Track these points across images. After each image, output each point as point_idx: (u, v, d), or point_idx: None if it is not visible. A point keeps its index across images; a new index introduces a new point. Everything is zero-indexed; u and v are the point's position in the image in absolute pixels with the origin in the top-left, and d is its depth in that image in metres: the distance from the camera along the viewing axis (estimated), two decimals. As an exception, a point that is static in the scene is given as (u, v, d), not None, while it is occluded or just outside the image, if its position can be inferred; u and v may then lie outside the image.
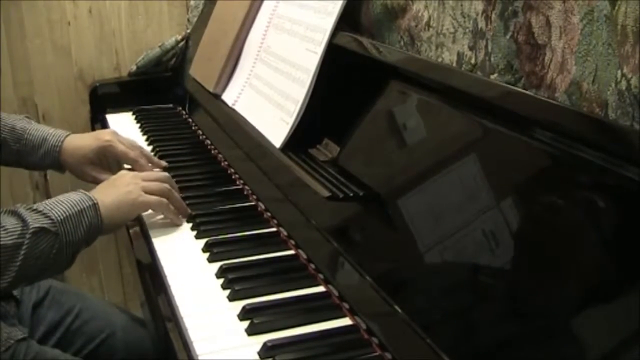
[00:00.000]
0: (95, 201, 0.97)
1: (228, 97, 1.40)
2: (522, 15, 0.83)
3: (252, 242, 1.01)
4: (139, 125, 1.64)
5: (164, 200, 1.06)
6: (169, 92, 1.80)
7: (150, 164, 1.24)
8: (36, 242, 0.89)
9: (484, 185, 0.73)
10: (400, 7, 1.11)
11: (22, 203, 0.95)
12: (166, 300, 0.89)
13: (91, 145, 1.22)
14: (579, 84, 0.75)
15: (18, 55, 1.86)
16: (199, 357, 0.76)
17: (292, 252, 0.98)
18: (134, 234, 1.08)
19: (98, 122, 1.76)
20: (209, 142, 1.46)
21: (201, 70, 1.57)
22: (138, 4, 1.93)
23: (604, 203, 0.61)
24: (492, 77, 0.90)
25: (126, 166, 1.23)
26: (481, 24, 0.91)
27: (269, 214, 1.09)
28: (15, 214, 0.90)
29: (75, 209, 0.94)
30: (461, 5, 0.95)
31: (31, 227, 0.89)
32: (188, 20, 1.97)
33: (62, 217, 0.92)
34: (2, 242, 0.86)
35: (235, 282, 0.89)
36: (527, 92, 0.79)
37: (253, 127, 1.24)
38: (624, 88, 0.69)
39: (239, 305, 0.84)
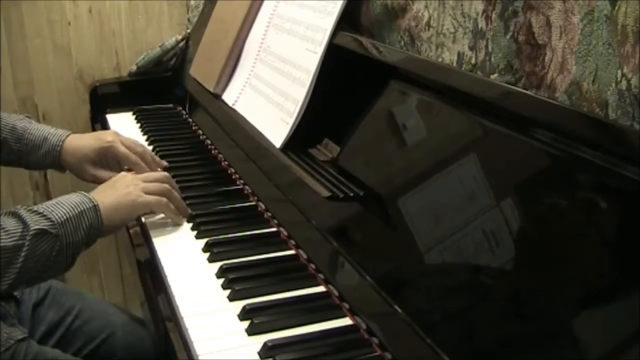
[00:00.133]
0: (95, 203, 0.97)
1: (228, 97, 1.40)
2: (522, 15, 0.83)
3: (252, 242, 1.01)
4: (139, 125, 1.64)
5: (164, 200, 1.05)
6: (169, 92, 1.80)
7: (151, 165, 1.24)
8: (36, 244, 0.89)
9: (484, 186, 0.73)
10: (400, 7, 1.11)
11: (22, 203, 0.95)
12: (166, 300, 0.89)
13: (93, 145, 1.22)
14: (579, 84, 0.75)
15: (18, 55, 1.86)
16: (199, 357, 0.76)
17: (292, 252, 0.98)
18: (134, 234, 1.08)
19: (98, 122, 1.76)
20: (209, 142, 1.46)
21: (201, 70, 1.57)
22: (138, 4, 1.93)
23: (604, 203, 0.61)
24: (492, 77, 0.90)
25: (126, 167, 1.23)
26: (481, 24, 0.91)
27: (269, 214, 1.09)
28: (15, 215, 0.90)
29: (76, 210, 0.94)
30: (461, 5, 0.95)
31: (32, 228, 0.89)
32: (188, 20, 1.97)
33: (62, 219, 0.92)
34: (2, 244, 0.86)
35: (236, 282, 0.89)
36: (527, 92, 0.79)
37: (253, 127, 1.24)
38: (624, 88, 0.69)
39: (239, 305, 0.84)
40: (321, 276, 0.90)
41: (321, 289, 0.89)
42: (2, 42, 1.81)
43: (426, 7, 1.04)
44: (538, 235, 0.66)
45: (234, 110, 1.35)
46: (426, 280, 0.78)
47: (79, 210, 0.95)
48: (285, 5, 1.30)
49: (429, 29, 1.04)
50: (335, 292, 0.86)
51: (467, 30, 0.95)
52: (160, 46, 1.82)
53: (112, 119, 1.72)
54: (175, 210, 1.07)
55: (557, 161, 0.67)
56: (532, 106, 0.72)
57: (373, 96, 0.99)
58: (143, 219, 1.08)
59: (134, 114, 1.72)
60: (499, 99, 0.76)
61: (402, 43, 1.12)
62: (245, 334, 0.80)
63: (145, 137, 1.54)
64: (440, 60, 1.01)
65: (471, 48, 0.94)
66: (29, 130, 1.23)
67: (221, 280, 0.91)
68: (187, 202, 1.11)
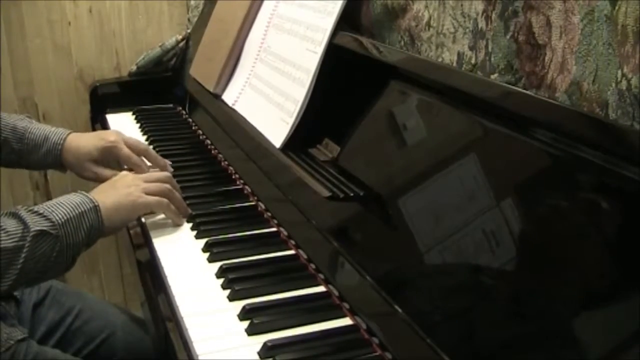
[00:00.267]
0: (96, 203, 0.97)
1: (228, 97, 1.40)
2: (522, 15, 0.83)
3: (252, 242, 1.01)
4: (139, 125, 1.64)
5: (165, 200, 1.05)
6: (169, 92, 1.80)
7: (152, 165, 1.24)
8: (37, 245, 0.89)
9: (484, 186, 0.73)
10: (400, 7, 1.11)
11: (22, 203, 0.95)
12: (166, 300, 0.89)
13: (96, 144, 1.21)
14: (579, 84, 0.75)
15: (18, 55, 1.86)
16: (199, 357, 0.76)
17: (292, 252, 0.98)
18: (134, 234, 1.08)
19: (98, 122, 1.76)
20: (209, 142, 1.46)
21: (201, 70, 1.57)
22: (138, 4, 1.93)
23: (604, 203, 0.61)
24: (492, 77, 0.90)
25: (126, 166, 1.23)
26: (481, 24, 0.91)
27: (269, 214, 1.09)
28: (16, 216, 0.90)
29: (76, 211, 0.94)
30: (461, 5, 0.95)
31: (32, 229, 0.88)
32: (188, 20, 1.97)
33: (63, 220, 0.92)
34: (2, 245, 0.86)
35: (236, 282, 0.89)
36: (527, 92, 0.79)
37: (253, 127, 1.24)
38: (624, 88, 0.69)
39: (239, 305, 0.84)
40: (321, 276, 0.90)
41: (321, 289, 0.89)
42: (2, 42, 1.82)
43: (426, 7, 1.04)
44: (538, 235, 0.66)
45: (234, 110, 1.35)
46: (426, 280, 0.78)
47: (80, 210, 0.94)
48: (285, 5, 1.30)
49: (429, 29, 1.04)
50: (336, 292, 0.86)
51: (467, 30, 0.95)
52: (160, 46, 1.82)
53: (112, 119, 1.72)
54: (176, 211, 1.07)
55: (557, 161, 0.67)
56: (532, 106, 0.72)
57: (373, 96, 0.99)
58: (143, 219, 1.08)
59: (134, 114, 1.72)
60: (499, 99, 0.76)
61: (402, 43, 1.12)
62: (245, 334, 0.80)
63: (145, 137, 1.54)
64: (440, 60, 1.01)
65: (471, 48, 0.94)
66: (29, 130, 1.23)
67: (221, 280, 0.91)
68: (187, 202, 1.11)
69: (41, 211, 0.92)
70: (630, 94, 0.68)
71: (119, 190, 1.02)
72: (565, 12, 0.76)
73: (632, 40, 0.67)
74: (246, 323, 0.81)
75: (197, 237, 1.04)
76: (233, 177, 1.27)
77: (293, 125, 1.12)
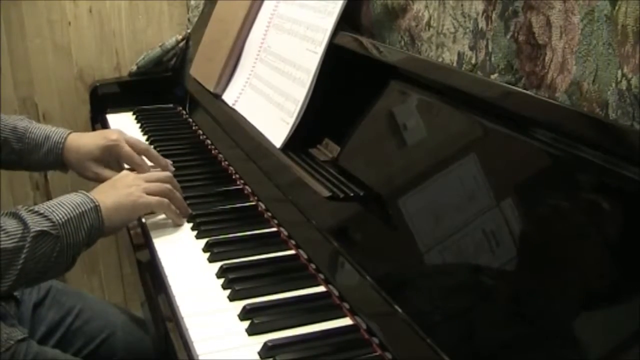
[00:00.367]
0: (96, 203, 0.96)
1: (228, 97, 1.40)
2: (522, 15, 0.83)
3: (252, 242, 1.01)
4: (139, 125, 1.64)
5: (165, 200, 1.05)
6: (169, 92, 1.80)
7: (153, 164, 1.24)
8: (37, 245, 0.89)
9: (484, 186, 0.73)
10: (400, 7, 1.11)
11: (22, 203, 0.95)
12: (166, 300, 0.89)
13: (97, 143, 1.21)
14: (579, 84, 0.75)
15: (18, 55, 1.86)
16: (199, 357, 0.76)
17: (292, 252, 0.98)
18: (134, 234, 1.09)
19: (98, 122, 1.76)
20: (209, 142, 1.46)
21: (201, 70, 1.57)
22: (138, 4, 1.94)
23: (604, 203, 0.61)
24: (492, 77, 0.90)
25: (126, 166, 1.23)
26: (481, 23, 0.91)
27: (269, 214, 1.09)
28: (16, 216, 0.90)
29: (77, 211, 0.94)
30: (461, 5, 0.95)
31: (32, 230, 0.88)
32: (188, 20, 1.97)
33: (63, 220, 0.92)
34: (2, 246, 0.86)
35: (236, 282, 0.89)
36: (527, 92, 0.79)
37: (253, 127, 1.24)
38: (624, 88, 0.69)
39: (239, 305, 0.84)
40: (321, 276, 0.90)
41: (321, 289, 0.89)
42: (2, 42, 1.82)
43: (426, 7, 1.04)
44: (538, 235, 0.66)
45: (234, 110, 1.35)
46: (426, 280, 0.78)
47: (80, 210, 0.94)
48: (286, 5, 1.30)
49: (429, 29, 1.04)
50: (336, 292, 0.86)
51: (467, 30, 0.95)
52: (160, 46, 1.82)
53: (112, 119, 1.72)
54: (176, 211, 1.07)
55: (557, 161, 0.67)
56: (532, 106, 0.72)
57: (373, 96, 0.99)
58: (143, 219, 1.08)
59: (134, 114, 1.72)
60: (499, 99, 0.76)
61: (402, 43, 1.12)
62: (246, 334, 0.80)
63: (146, 137, 1.54)
64: (440, 60, 1.01)
65: (471, 48, 0.94)
66: (30, 130, 1.23)
67: (221, 280, 0.91)
68: (188, 202, 1.11)
69: (41, 211, 0.91)
70: (630, 94, 0.68)
71: (120, 190, 1.02)
72: (565, 12, 0.76)
73: (632, 40, 0.67)
74: (246, 323, 0.81)
75: (198, 237, 1.04)
76: (233, 177, 1.27)
77: (293, 125, 1.12)
